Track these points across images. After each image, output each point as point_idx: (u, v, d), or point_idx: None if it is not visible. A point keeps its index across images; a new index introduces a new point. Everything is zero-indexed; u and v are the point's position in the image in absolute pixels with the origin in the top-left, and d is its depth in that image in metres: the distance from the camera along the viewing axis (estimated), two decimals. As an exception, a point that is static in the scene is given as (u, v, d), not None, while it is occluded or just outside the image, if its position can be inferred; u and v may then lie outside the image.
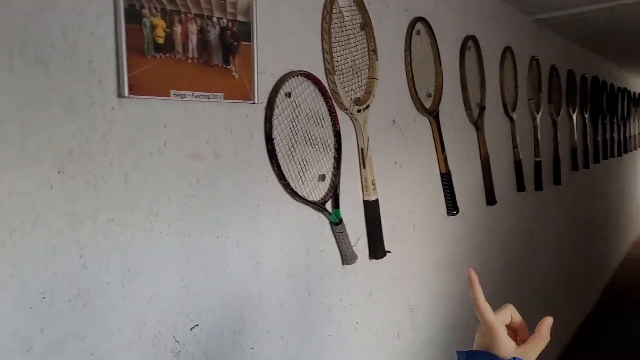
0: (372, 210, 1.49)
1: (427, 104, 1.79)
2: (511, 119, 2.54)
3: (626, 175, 5.86)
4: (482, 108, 2.20)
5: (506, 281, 2.54)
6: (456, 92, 2.04)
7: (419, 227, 1.79)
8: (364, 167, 1.45)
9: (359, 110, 1.41)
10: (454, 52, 1.99)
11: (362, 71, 1.45)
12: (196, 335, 1.03)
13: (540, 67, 2.90)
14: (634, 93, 6.12)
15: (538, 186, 2.92)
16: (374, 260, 1.54)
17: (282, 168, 1.19)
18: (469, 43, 2.07)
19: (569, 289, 3.65)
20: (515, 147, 2.59)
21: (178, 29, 0.97)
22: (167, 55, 0.95)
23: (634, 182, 6.35)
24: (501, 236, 2.48)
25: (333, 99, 1.35)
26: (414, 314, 1.77)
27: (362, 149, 1.45)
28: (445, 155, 1.89)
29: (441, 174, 1.90)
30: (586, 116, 3.94)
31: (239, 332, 1.12)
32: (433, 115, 1.81)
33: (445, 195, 1.94)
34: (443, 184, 1.92)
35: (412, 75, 1.67)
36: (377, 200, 1.50)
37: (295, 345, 1.28)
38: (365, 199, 1.48)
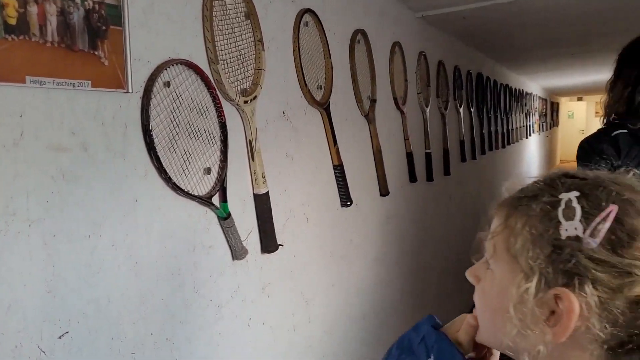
0: (262, 204, 1.47)
1: (318, 96, 1.80)
2: (402, 112, 2.62)
3: (509, 165, 6.31)
4: (373, 101, 2.25)
5: (401, 268, 2.63)
6: (347, 85, 2.06)
7: (313, 220, 1.79)
8: (253, 159, 1.42)
9: (245, 102, 1.38)
10: (343, 45, 2.02)
11: (248, 61, 1.41)
12: (66, 344, 0.95)
13: (428, 62, 3.02)
14: (515, 89, 6.60)
15: (429, 177, 3.05)
16: (267, 254, 1.52)
17: (162, 161, 1.13)
18: (359, 37, 2.11)
19: (458, 274, 3.85)
20: (406, 139, 2.68)
21: (33, 9, 0.88)
22: (20, 37, 0.86)
23: (516, 172, 6.86)
24: (395, 226, 2.56)
25: (217, 90, 1.30)
26: (309, 307, 1.77)
27: (250, 141, 1.41)
28: (338, 148, 1.90)
29: (334, 166, 1.92)
30: (472, 110, 4.17)
31: (117, 337, 1.05)
32: (324, 107, 1.82)
33: (338, 187, 1.96)
34: (336, 176, 1.94)
35: (302, 67, 1.66)
36: (267, 193, 1.47)
37: (182, 347, 1.22)
38: (256, 192, 1.46)
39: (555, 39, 4.00)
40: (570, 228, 0.55)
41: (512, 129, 6.33)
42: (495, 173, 5.38)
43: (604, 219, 0.54)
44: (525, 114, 7.65)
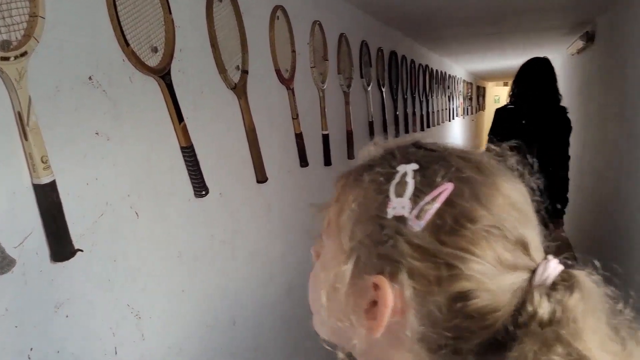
0: (47, 197, 1.10)
1: (153, 61, 1.44)
2: (288, 87, 2.30)
3: (430, 149, 6.17)
4: (244, 72, 1.92)
5: (287, 262, 2.33)
6: (204, 51, 1.71)
7: (147, 214, 1.44)
8: (26, 138, 1.06)
9: (5, 58, 1.00)
10: (195, 0, 1.66)
11: (13, 5, 1.04)
12: None
13: (325, 34, 2.71)
14: (436, 71, 6.44)
15: (327, 161, 2.76)
16: (60, 262, 1.16)
17: None
18: (220, -7, 1.76)
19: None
20: (294, 118, 2.37)
21: None
22: None
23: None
24: (279, 216, 2.25)
25: (-48, 39, 0.93)
26: (142, 322, 1.43)
27: (19, 114, 1.05)
28: (185, 126, 1.56)
29: (181, 148, 1.57)
30: (384, 90, 3.92)
31: None
32: (162, 75, 1.47)
33: (190, 174, 1.62)
34: (185, 161, 1.60)
35: (119, 21, 1.30)
36: (53, 183, 1.11)
37: None
38: (35, 182, 1.09)
39: (469, 17, 3.80)
40: (398, 206, 0.47)
41: (433, 112, 6.19)
42: (413, 157, 5.19)
43: (434, 199, 0.46)
44: (448, 96, 7.56)
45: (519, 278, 0.45)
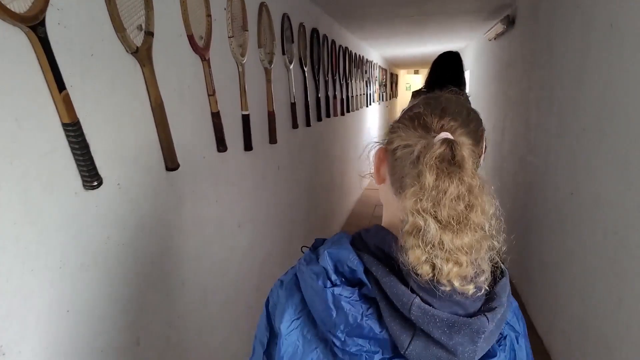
0: None
1: (18, 4, 1.06)
2: (203, 58, 1.95)
3: (349, 134, 5.99)
4: (148, 34, 1.55)
5: (203, 262, 2.00)
6: (97, 2, 1.34)
7: (14, 214, 1.07)
8: None
9: None
10: None
11: None
12: None
13: (244, 0, 2.37)
14: (356, 54, 6.25)
15: (247, 145, 2.44)
16: None
17: None
18: None
19: (289, 254, 3.35)
20: (210, 94, 2.02)
21: None
22: None
23: (357, 141, 6.60)
24: (194, 209, 1.91)
25: None
26: (8, 358, 1.06)
27: None
28: (67, 96, 1.19)
29: (63, 125, 1.20)
30: (306, 70, 3.64)
31: None
32: (33, 25, 1.09)
33: (76, 159, 1.25)
34: (70, 142, 1.22)
35: (-37, -61, 0.91)
36: None
37: None
38: None
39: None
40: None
41: (352, 96, 6.01)
42: (334, 142, 4.98)
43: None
44: (366, 82, 7.43)
45: (425, 140, 0.73)
